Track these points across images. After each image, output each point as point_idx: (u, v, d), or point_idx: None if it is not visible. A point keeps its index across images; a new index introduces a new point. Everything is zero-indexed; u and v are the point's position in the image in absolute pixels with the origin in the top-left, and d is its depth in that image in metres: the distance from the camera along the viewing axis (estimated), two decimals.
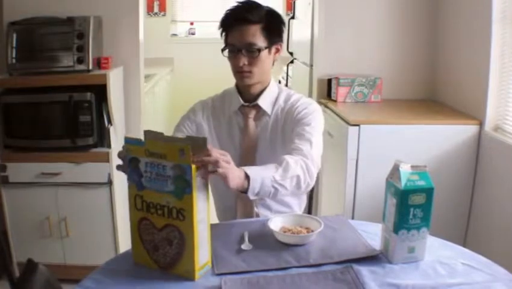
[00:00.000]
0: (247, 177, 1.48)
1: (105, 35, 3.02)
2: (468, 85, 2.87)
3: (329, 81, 3.29)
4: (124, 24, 3.10)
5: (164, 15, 5.83)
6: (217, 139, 1.87)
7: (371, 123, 2.72)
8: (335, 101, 3.20)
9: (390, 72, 3.29)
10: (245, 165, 1.56)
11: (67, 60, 2.78)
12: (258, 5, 1.78)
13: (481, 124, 2.68)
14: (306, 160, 1.65)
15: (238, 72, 1.79)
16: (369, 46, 3.30)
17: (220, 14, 1.81)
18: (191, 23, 5.98)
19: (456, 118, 2.79)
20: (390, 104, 3.15)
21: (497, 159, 2.56)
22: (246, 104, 1.86)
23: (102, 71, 2.85)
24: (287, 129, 1.83)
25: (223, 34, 1.79)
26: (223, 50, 1.79)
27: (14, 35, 2.77)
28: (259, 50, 1.74)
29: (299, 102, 1.86)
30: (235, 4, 1.79)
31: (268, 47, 1.77)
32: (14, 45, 2.78)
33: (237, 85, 1.89)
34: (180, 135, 1.75)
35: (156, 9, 5.80)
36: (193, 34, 5.97)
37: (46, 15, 2.81)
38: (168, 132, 1.87)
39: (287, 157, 1.61)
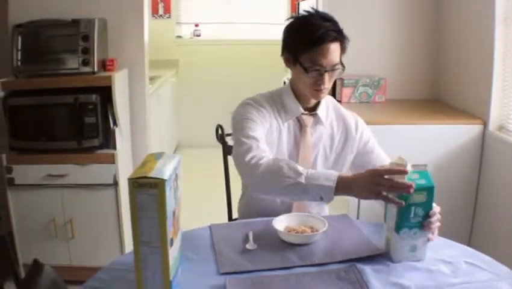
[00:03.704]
0: None
1: (110, 37, 3.03)
2: (472, 85, 2.87)
3: (334, 82, 3.29)
4: (129, 27, 3.11)
5: (169, 17, 5.83)
6: (276, 145, 1.77)
7: (375, 123, 2.70)
8: (339, 102, 3.20)
9: (394, 72, 3.29)
10: None
11: (72, 62, 2.79)
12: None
13: (485, 124, 2.68)
14: None
15: (317, 90, 1.72)
16: (373, 46, 3.31)
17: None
18: (196, 25, 5.98)
19: (460, 118, 2.79)
20: (394, 104, 3.16)
21: (501, 158, 2.56)
22: (306, 112, 1.81)
23: (107, 73, 2.86)
24: (347, 146, 1.85)
25: (303, 47, 1.70)
26: (297, 65, 1.71)
27: (20, 38, 2.79)
28: (342, 68, 1.74)
29: (355, 120, 1.88)
30: (320, 18, 1.72)
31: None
32: (20, 47, 2.79)
33: (294, 92, 1.81)
34: (259, 128, 1.69)
35: (161, 11, 5.80)
36: (198, 35, 5.96)
37: (51, 18, 2.82)
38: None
39: None
